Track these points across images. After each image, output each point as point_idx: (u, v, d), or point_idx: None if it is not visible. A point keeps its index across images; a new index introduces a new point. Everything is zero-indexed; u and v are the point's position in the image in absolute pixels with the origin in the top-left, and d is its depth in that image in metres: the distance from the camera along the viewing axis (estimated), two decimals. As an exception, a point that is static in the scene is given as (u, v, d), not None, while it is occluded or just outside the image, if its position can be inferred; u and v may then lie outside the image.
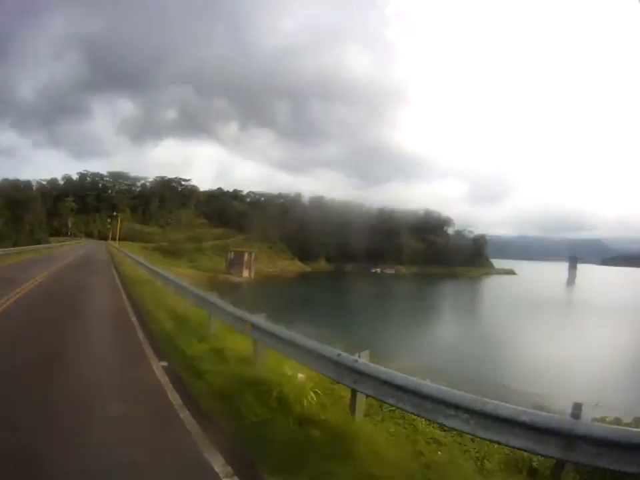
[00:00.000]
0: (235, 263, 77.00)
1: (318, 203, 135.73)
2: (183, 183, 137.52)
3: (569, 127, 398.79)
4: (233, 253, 80.00)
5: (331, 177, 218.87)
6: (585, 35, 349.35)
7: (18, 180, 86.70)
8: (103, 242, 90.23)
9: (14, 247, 40.44)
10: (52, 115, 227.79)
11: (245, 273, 75.25)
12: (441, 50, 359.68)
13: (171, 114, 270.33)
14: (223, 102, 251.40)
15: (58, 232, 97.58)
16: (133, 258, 29.77)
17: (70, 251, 47.65)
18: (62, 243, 67.47)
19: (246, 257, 77.68)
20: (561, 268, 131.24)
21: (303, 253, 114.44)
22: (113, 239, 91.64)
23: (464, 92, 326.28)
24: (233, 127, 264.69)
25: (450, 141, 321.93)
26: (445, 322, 41.17)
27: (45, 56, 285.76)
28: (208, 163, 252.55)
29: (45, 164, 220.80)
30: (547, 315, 40.66)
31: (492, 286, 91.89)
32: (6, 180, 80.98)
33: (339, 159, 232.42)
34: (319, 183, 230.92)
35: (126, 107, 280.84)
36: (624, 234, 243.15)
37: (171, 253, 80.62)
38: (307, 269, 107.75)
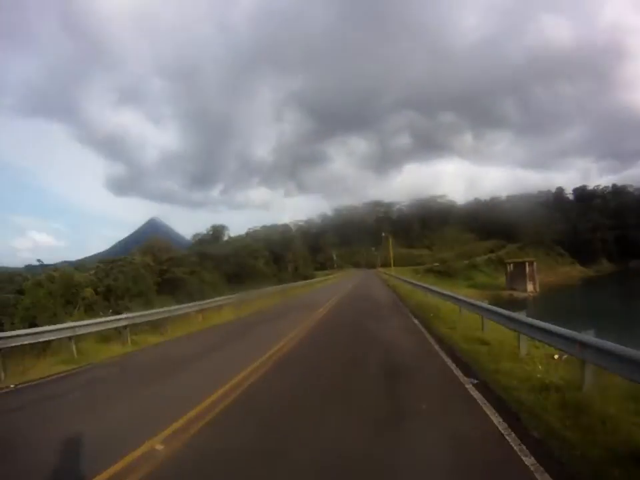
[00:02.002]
0: (516, 276, 69.33)
1: (581, 195, 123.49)
2: (438, 200, 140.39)
3: None
4: (512, 264, 72.78)
5: (580, 165, 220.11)
6: None
7: (275, 225, 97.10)
8: (370, 270, 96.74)
9: (278, 284, 38.62)
10: (293, 167, 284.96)
11: (529, 287, 66.53)
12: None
13: (404, 139, 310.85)
14: (450, 115, 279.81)
15: (323, 265, 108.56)
16: (414, 283, 29.51)
17: (336, 284, 47.52)
18: (326, 277, 70.08)
19: (527, 267, 68.86)
20: None
21: (580, 254, 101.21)
22: (382, 265, 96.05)
23: None
24: (467, 137, 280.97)
25: None
26: None
27: (269, 120, 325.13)
28: (453, 179, 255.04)
29: (298, 209, 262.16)
30: None
31: None
32: (264, 226, 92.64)
33: (583, 142, 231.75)
34: (569, 174, 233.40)
35: (359, 144, 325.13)
36: None
37: (444, 273, 79.90)
38: (590, 272, 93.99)
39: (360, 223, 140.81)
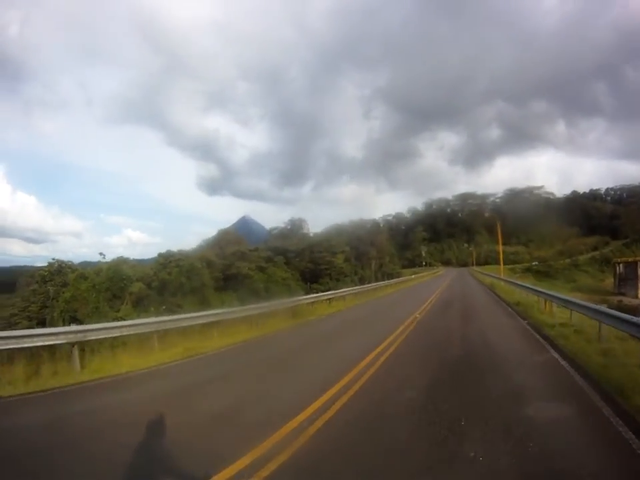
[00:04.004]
0: (626, 279, 58.59)
1: None
2: (535, 192, 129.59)
3: None
4: (621, 265, 62.03)
5: None
6: None
7: (362, 219, 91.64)
8: (463, 269, 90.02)
9: (360, 284, 34.20)
10: (383, 163, 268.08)
11: None
12: None
13: (494, 132, 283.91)
14: (540, 104, 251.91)
15: (412, 263, 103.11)
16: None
17: (423, 288, 33.56)
18: (414, 275, 60.99)
19: (639, 269, 57.97)
20: None
21: None
22: (475, 263, 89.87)
23: None
24: (559, 127, 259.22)
25: None
26: None
27: (357, 117, 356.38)
28: (546, 171, 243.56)
29: (389, 206, 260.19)
30: None
31: None
32: (352, 221, 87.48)
33: None
34: None
35: (449, 138, 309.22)
36: None
37: (543, 273, 73.11)
38: None
39: (451, 216, 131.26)
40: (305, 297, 18.42)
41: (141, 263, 31.44)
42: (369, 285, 30.99)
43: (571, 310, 11.26)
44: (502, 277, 35.15)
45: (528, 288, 19.50)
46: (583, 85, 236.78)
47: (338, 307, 18.80)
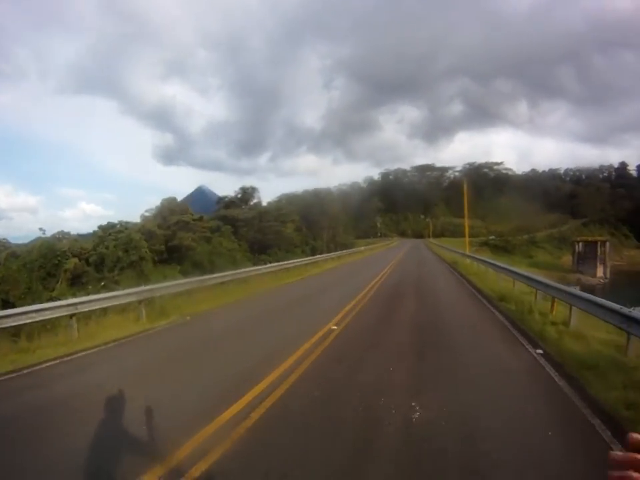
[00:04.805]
0: (585, 258, 60.06)
1: None
2: (495, 167, 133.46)
3: None
4: (581, 243, 62.72)
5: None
6: None
7: (317, 189, 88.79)
8: (419, 240, 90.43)
9: (312, 254, 33.71)
10: (342, 135, 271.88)
11: (599, 271, 57.99)
12: None
13: (456, 107, 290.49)
14: (504, 83, 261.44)
15: (367, 233, 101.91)
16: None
17: (368, 264, 27.94)
18: (363, 247, 55.42)
19: (599, 249, 59.20)
20: None
21: None
22: (432, 235, 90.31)
23: None
24: (522, 107, 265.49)
25: None
26: None
27: (318, 88, 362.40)
28: (506, 149, 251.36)
29: (347, 177, 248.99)
30: None
31: None
32: (306, 191, 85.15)
33: None
34: (627, 151, 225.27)
35: (410, 112, 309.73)
36: None
37: (500, 248, 72.96)
38: None
39: (409, 188, 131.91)
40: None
41: (84, 237, 30.48)
42: (307, 258, 26.78)
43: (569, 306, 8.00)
44: (468, 252, 28.44)
45: (510, 271, 13.94)
46: (549, 68, 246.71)
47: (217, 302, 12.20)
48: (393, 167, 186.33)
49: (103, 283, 20.40)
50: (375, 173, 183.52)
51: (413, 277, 18.78)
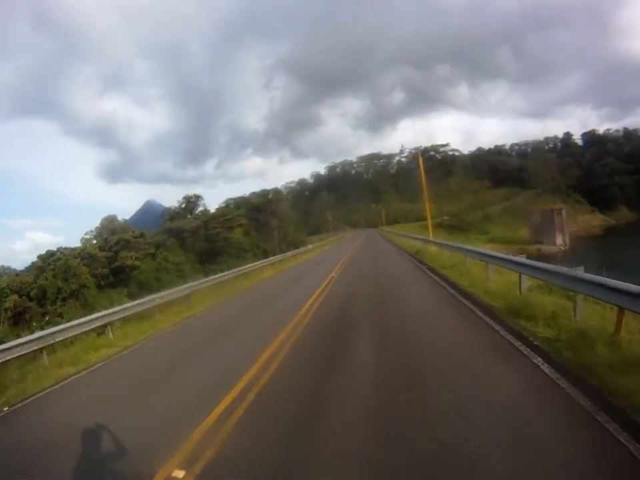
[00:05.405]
0: (542, 228, 60.13)
1: (590, 139, 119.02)
2: (441, 150, 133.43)
3: None
4: (538, 214, 63.24)
5: (579, 114, 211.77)
6: None
7: (264, 190, 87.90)
8: (372, 230, 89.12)
9: (264, 258, 28.77)
10: (286, 133, 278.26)
11: (558, 239, 58.67)
12: None
13: (398, 96, 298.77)
14: (444, 68, 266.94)
15: (318, 229, 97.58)
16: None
17: (312, 267, 22.16)
18: (320, 242, 50.37)
19: (556, 217, 59.74)
20: None
21: (597, 201, 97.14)
22: (385, 223, 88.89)
23: None
24: (463, 89, 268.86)
25: None
26: None
27: (259, 89, 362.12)
28: (451, 131, 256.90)
29: (294, 175, 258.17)
30: None
31: None
32: (253, 193, 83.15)
33: (582, 90, 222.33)
34: (568, 123, 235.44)
35: (352, 104, 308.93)
36: None
37: (456, 227, 74.01)
38: (611, 221, 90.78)
39: (356, 178, 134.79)
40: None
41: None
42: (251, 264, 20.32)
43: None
44: (431, 238, 23.63)
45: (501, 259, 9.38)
46: (486, 50, 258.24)
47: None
48: (339, 159, 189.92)
49: (47, 318, 20.17)
50: (322, 167, 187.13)
51: (367, 287, 12.35)
